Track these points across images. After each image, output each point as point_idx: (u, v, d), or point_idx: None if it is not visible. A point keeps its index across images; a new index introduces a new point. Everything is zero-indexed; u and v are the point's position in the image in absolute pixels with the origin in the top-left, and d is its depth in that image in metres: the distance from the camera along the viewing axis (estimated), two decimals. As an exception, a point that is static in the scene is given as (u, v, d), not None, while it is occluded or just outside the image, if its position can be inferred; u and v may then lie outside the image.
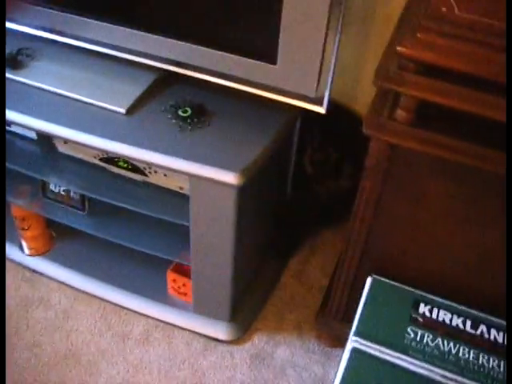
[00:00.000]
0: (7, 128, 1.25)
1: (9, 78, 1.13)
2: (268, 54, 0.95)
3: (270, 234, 1.40)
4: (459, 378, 0.86)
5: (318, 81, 0.96)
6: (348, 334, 0.95)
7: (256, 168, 0.99)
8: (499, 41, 0.71)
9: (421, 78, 0.76)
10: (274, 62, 0.96)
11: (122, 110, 1.06)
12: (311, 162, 1.40)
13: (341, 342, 1.18)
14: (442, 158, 0.81)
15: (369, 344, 0.89)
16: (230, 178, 0.95)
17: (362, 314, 0.94)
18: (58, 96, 1.09)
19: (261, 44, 0.96)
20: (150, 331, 1.26)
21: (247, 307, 1.28)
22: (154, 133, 1.02)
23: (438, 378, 0.86)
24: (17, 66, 1.15)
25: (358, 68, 1.32)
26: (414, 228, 0.94)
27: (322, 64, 0.94)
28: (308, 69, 0.94)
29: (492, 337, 0.92)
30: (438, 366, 0.87)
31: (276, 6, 0.89)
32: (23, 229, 1.35)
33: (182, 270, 1.25)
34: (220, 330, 1.24)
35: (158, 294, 1.29)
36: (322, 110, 1.01)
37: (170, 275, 1.26)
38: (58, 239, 1.40)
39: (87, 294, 1.32)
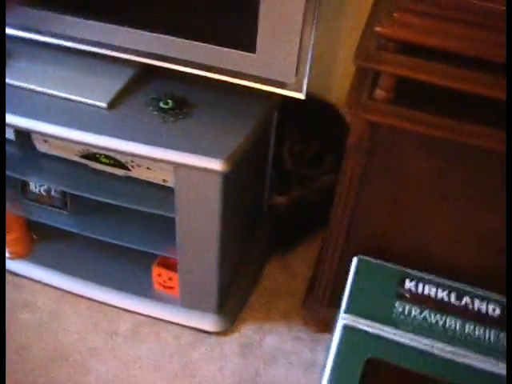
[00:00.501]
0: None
1: (-15, 78, 1.12)
2: (247, 43, 0.97)
3: (253, 226, 1.41)
4: (447, 347, 0.89)
5: (297, 68, 0.98)
6: (334, 319, 0.97)
7: (240, 155, 1.01)
8: (472, 17, 0.74)
9: (399, 57, 0.79)
10: (253, 51, 0.98)
11: (104, 104, 1.06)
12: (291, 155, 1.42)
13: (328, 327, 1.20)
14: (422, 134, 0.85)
15: (359, 320, 0.92)
16: (216, 164, 0.97)
17: (350, 293, 0.96)
18: (37, 94, 1.09)
19: (240, 33, 0.98)
20: (138, 327, 1.25)
21: (234, 298, 1.29)
22: (136, 125, 1.03)
23: (427, 348, 0.88)
24: (-7, 65, 1.14)
25: (331, 59, 1.35)
26: (397, 206, 0.97)
27: (299, 51, 0.96)
28: (286, 56, 0.97)
29: (476, 307, 0.95)
30: (427, 337, 0.90)
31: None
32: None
33: (167, 264, 1.25)
34: (208, 322, 1.25)
35: (144, 290, 1.29)
36: (301, 95, 1.03)
37: (156, 270, 1.26)
38: (39, 241, 1.38)
39: (72, 293, 1.31)
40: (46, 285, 1.32)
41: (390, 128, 0.86)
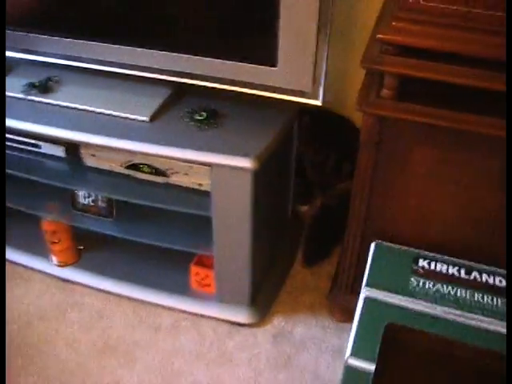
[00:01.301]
0: (38, 149, 1.40)
1: (41, 102, 1.29)
2: (269, 59, 1.13)
3: (279, 231, 1.54)
4: (458, 312, 1.00)
5: (313, 78, 1.13)
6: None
7: (266, 155, 1.15)
8: (456, 20, 0.89)
9: (398, 58, 0.93)
10: (274, 65, 1.13)
11: (146, 118, 1.22)
12: (312, 165, 1.56)
13: (351, 316, 1.31)
14: (423, 124, 0.98)
15: (378, 292, 1.03)
16: (246, 163, 1.11)
17: (369, 271, 1.08)
18: (86, 112, 1.26)
19: (262, 51, 1.13)
20: (178, 322, 1.38)
21: (264, 293, 1.41)
22: (176, 134, 1.19)
23: (440, 313, 0.99)
24: (47, 90, 1.32)
25: (347, 77, 1.50)
26: (406, 192, 1.10)
27: (315, 63, 1.11)
28: (304, 68, 1.12)
29: (484, 279, 1.06)
30: (440, 305, 1.01)
31: (275, 19, 1.06)
32: (53, 242, 1.48)
33: (203, 264, 1.38)
34: (242, 315, 1.37)
35: (182, 288, 1.41)
36: (318, 102, 1.18)
37: (193, 269, 1.39)
38: (84, 250, 1.53)
39: (117, 294, 1.44)
40: (92, 288, 1.46)
41: (395, 121, 1.00)
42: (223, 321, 1.37)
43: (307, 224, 1.60)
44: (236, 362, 1.29)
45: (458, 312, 1.00)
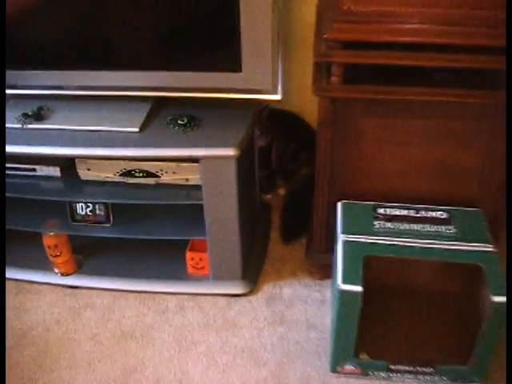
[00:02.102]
0: (33, 173, 1.57)
1: (36, 128, 1.48)
2: (235, 67, 1.38)
3: (254, 216, 1.79)
4: (417, 240, 1.28)
5: (272, 77, 1.40)
6: (332, 264, 1.34)
7: (244, 144, 1.40)
8: (376, 18, 1.18)
9: (341, 51, 1.22)
10: (240, 71, 1.39)
11: (136, 129, 1.44)
12: (276, 155, 1.82)
13: (328, 273, 1.57)
14: (367, 100, 1.27)
15: (352, 236, 1.30)
16: (230, 151, 1.35)
17: (341, 224, 1.35)
18: (82, 132, 1.45)
19: (229, 61, 1.38)
20: (182, 303, 1.58)
21: (252, 267, 1.64)
22: (165, 138, 1.41)
23: (402, 243, 1.27)
24: (40, 118, 1.50)
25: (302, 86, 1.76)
26: (360, 158, 1.38)
27: (273, 66, 1.38)
28: (264, 71, 1.38)
29: (429, 215, 1.36)
30: (401, 237, 1.29)
31: (237, 34, 1.32)
32: (56, 256, 1.64)
33: (197, 249, 1.60)
34: (236, 287, 1.59)
35: (180, 275, 1.62)
36: (278, 96, 1.44)
37: (189, 255, 1.60)
38: (85, 258, 1.70)
39: (123, 291, 1.62)
40: (99, 289, 1.63)
41: (344, 100, 1.28)
42: (221, 295, 1.59)
43: (280, 208, 1.85)
44: (239, 325, 1.51)
45: (414, 240, 1.28)
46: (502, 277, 1.19)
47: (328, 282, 1.62)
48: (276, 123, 1.74)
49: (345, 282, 1.19)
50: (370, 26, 1.20)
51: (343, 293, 1.19)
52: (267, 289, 1.61)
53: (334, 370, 1.34)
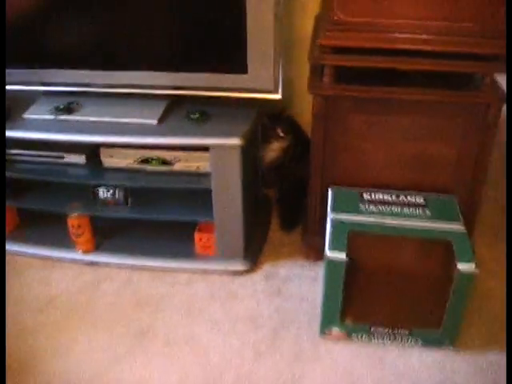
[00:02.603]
0: (61, 160, 1.79)
1: (67, 120, 1.70)
2: (241, 69, 1.60)
3: (255, 206, 1.99)
4: (396, 220, 1.48)
5: (274, 78, 1.61)
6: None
7: (248, 136, 1.61)
8: (364, 27, 1.40)
9: (333, 55, 1.44)
10: (246, 73, 1.60)
11: (155, 122, 1.65)
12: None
13: (321, 256, 1.76)
14: (354, 97, 1.48)
15: (339, 214, 1.50)
16: (236, 141, 1.57)
17: (331, 205, 1.55)
18: (107, 123, 1.67)
19: (236, 63, 1.60)
20: (191, 278, 1.78)
21: (253, 248, 1.84)
22: (181, 129, 1.63)
23: (383, 221, 1.47)
24: (71, 111, 1.72)
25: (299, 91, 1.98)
26: (348, 149, 1.59)
27: (274, 68, 1.59)
28: (266, 72, 1.60)
29: (408, 199, 1.56)
30: (383, 217, 1.49)
31: (244, 42, 1.53)
32: (78, 235, 1.85)
33: (204, 231, 1.80)
34: (239, 265, 1.79)
35: (189, 254, 1.82)
36: (278, 96, 1.66)
37: (197, 235, 1.80)
38: (103, 239, 1.90)
39: (138, 267, 1.82)
40: (116, 264, 1.83)
41: (334, 98, 1.50)
42: (225, 271, 1.79)
43: (278, 200, 2.06)
44: (241, 297, 1.70)
45: (393, 220, 1.48)
46: (468, 250, 1.38)
47: (321, 263, 1.81)
48: (272, 124, 1.95)
49: (331, 250, 1.39)
50: (357, 34, 1.41)
51: (330, 261, 1.39)
52: (266, 268, 1.81)
53: (322, 333, 1.53)
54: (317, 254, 1.81)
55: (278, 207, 2.05)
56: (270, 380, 1.44)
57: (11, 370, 1.46)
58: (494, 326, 1.57)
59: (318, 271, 1.78)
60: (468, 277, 1.35)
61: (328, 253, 1.39)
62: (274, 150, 1.98)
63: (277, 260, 1.84)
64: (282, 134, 1.95)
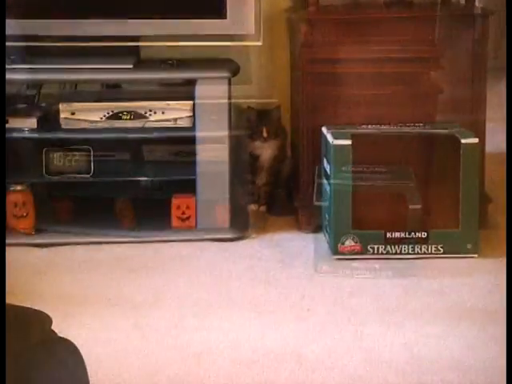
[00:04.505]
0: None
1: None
2: (221, 13, 1.54)
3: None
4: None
5: (255, 23, 1.56)
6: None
7: (232, 71, 1.52)
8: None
9: None
10: (225, 17, 1.54)
11: (130, 66, 1.50)
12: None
13: (315, 226, 1.61)
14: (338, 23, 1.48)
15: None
16: (224, 73, 1.49)
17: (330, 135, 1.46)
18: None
19: (215, 8, 1.54)
20: (180, 250, 1.54)
21: (240, 219, 1.63)
22: (160, 69, 1.52)
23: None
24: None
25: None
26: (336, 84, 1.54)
27: (255, 12, 1.55)
28: (247, 17, 1.55)
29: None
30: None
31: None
32: (21, 216, 1.53)
33: (183, 197, 1.56)
34: (225, 234, 1.56)
35: (165, 227, 1.57)
36: (259, 43, 1.60)
37: (175, 202, 1.55)
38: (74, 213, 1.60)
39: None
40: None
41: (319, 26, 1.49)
42: (211, 239, 1.56)
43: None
44: (231, 259, 1.50)
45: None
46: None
47: (311, 235, 1.63)
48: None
49: (335, 138, 1.36)
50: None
51: (336, 147, 1.35)
52: (262, 236, 1.62)
53: (335, 250, 1.39)
54: (309, 221, 1.63)
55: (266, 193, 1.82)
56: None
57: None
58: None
59: (309, 239, 1.60)
60: (472, 146, 1.36)
61: (334, 141, 1.35)
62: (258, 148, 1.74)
63: (272, 232, 1.65)
64: (265, 135, 1.71)
